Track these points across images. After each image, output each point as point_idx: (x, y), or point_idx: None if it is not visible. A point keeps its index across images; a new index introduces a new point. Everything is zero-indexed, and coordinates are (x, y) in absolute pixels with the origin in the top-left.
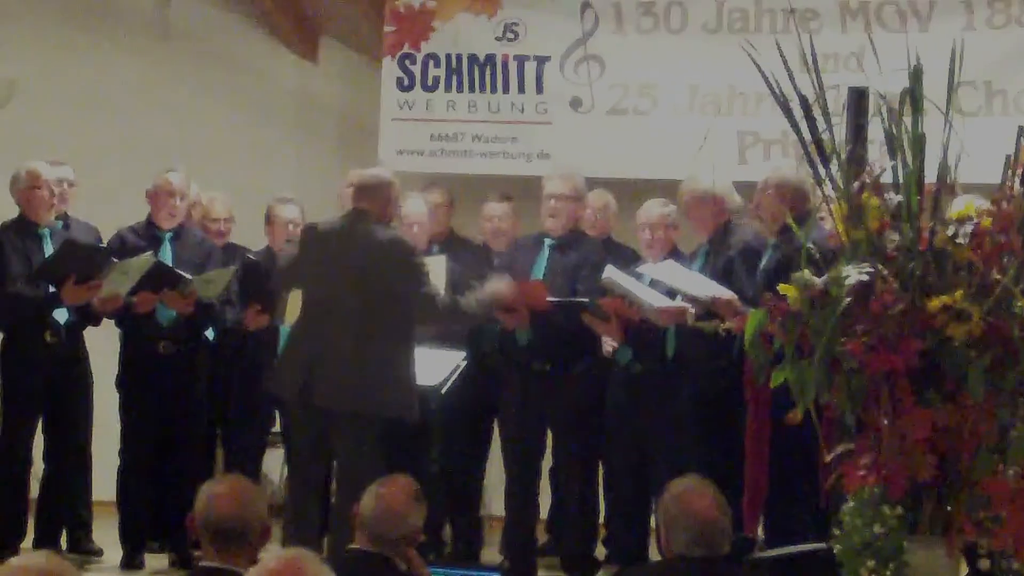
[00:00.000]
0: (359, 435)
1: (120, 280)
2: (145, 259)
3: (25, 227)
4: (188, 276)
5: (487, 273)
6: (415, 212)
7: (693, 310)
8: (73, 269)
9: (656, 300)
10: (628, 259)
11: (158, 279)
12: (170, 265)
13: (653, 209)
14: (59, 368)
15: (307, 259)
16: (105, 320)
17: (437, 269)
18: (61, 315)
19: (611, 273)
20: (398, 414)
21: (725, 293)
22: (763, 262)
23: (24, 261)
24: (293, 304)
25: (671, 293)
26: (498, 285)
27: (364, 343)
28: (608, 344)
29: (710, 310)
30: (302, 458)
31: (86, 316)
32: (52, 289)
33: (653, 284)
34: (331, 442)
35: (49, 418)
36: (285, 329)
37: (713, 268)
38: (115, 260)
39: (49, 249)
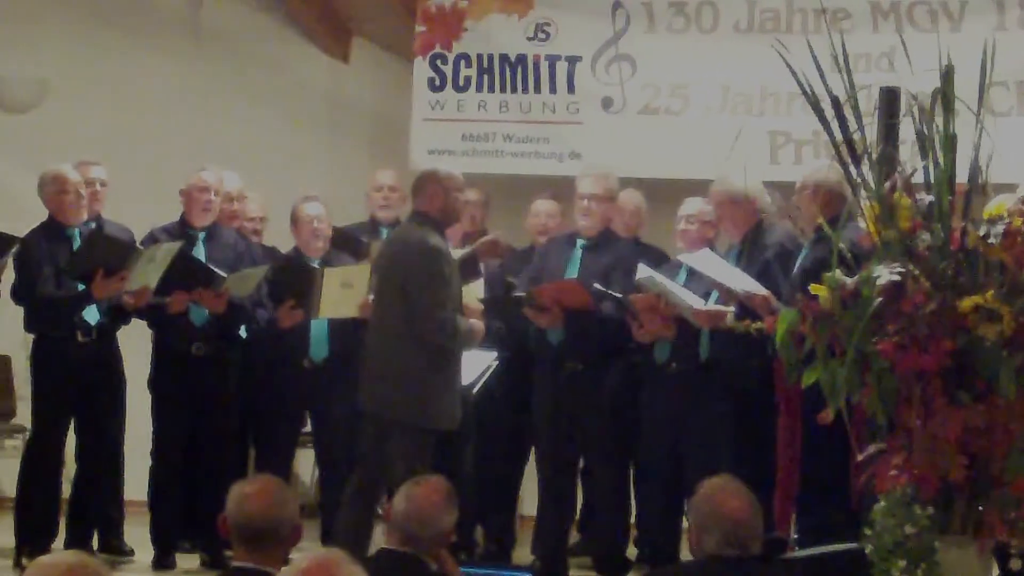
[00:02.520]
0: (410, 443)
1: (148, 270)
2: (172, 246)
3: (54, 230)
4: (221, 273)
5: (520, 271)
6: None
7: (732, 310)
8: (101, 262)
9: (693, 301)
10: (657, 260)
11: (191, 276)
12: (203, 260)
13: (694, 203)
14: (91, 369)
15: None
16: (138, 321)
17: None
18: (92, 316)
19: (646, 273)
20: (445, 426)
21: (760, 289)
22: (799, 262)
23: (54, 265)
24: (327, 299)
25: (706, 294)
26: (476, 323)
27: (394, 349)
28: (642, 336)
29: (744, 304)
30: (364, 459)
31: (117, 315)
32: (81, 287)
33: (688, 280)
34: (385, 447)
35: (81, 419)
36: (317, 328)
37: (747, 269)
38: (141, 248)
39: (79, 244)
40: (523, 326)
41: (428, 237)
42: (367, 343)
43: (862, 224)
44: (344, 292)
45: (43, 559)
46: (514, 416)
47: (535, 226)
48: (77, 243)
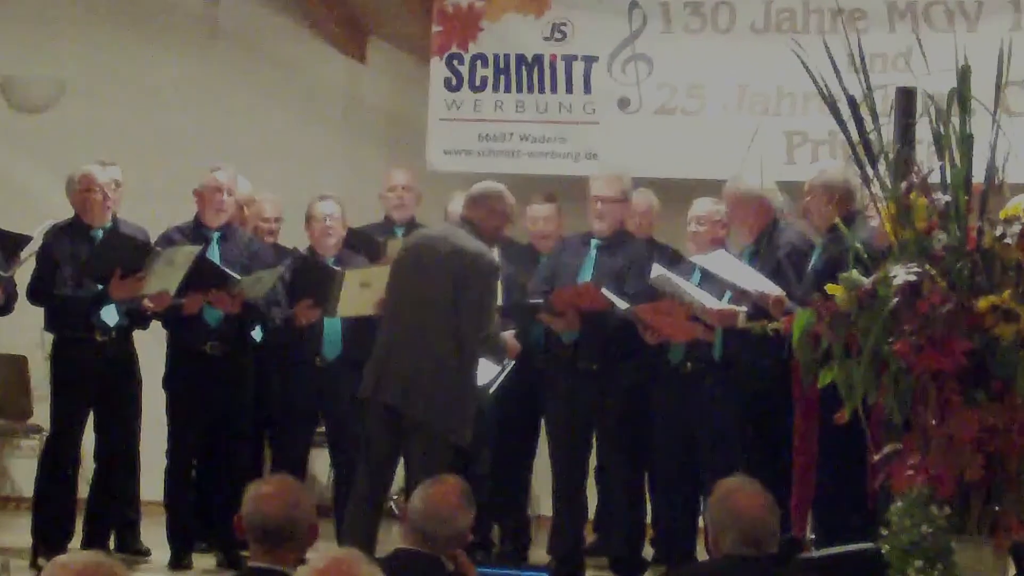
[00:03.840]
0: (427, 445)
1: (166, 272)
2: (190, 249)
3: (78, 230)
4: (235, 276)
5: (533, 272)
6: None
7: (745, 310)
8: (118, 263)
9: (707, 301)
10: (671, 260)
11: (205, 278)
12: (218, 263)
13: (704, 204)
14: (109, 368)
15: (404, 263)
16: (153, 321)
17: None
18: (111, 317)
19: (661, 272)
20: (448, 430)
21: (774, 290)
22: (811, 262)
23: (75, 264)
24: (345, 298)
25: (720, 294)
26: (512, 340)
27: (436, 352)
28: (651, 337)
29: (757, 304)
30: (372, 451)
31: (135, 319)
32: (100, 287)
33: (702, 281)
34: (404, 446)
35: (99, 418)
36: (330, 327)
37: (760, 269)
38: (158, 249)
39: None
40: (532, 328)
41: (486, 250)
42: (397, 338)
43: (872, 222)
44: (362, 292)
45: (61, 558)
46: (525, 416)
47: (534, 232)
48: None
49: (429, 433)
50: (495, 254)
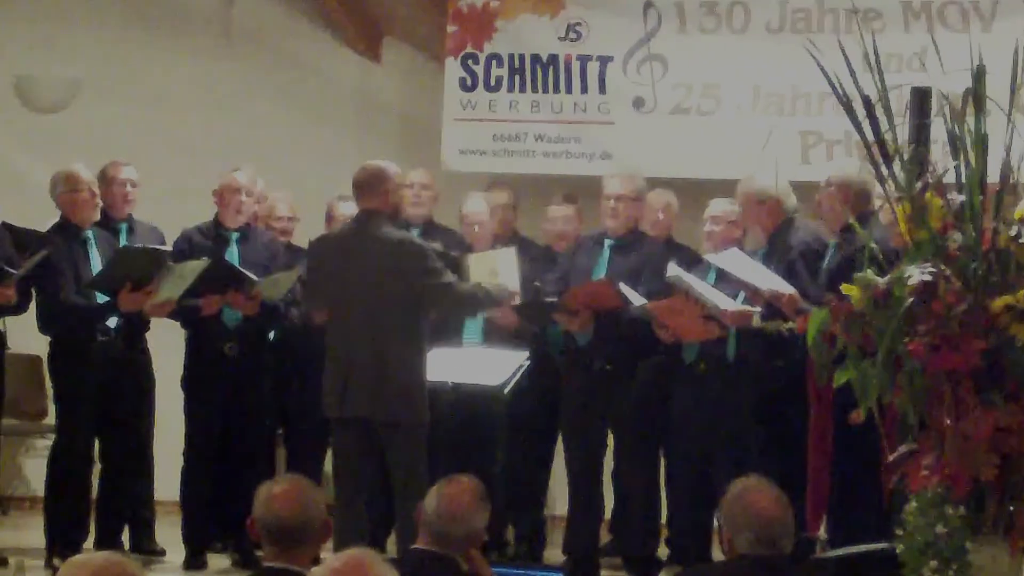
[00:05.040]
0: (406, 441)
1: (176, 284)
2: (199, 263)
3: (69, 232)
4: (253, 277)
5: (550, 275)
6: (476, 212)
7: (759, 310)
8: (130, 276)
9: (722, 301)
10: (689, 260)
11: (223, 279)
12: (235, 265)
13: (719, 204)
14: (113, 368)
15: (324, 271)
16: (170, 321)
17: (508, 261)
18: (111, 320)
19: (676, 271)
20: (421, 420)
21: (787, 288)
22: (825, 262)
23: (72, 267)
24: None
25: (735, 294)
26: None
27: (390, 349)
28: (665, 334)
29: (770, 303)
30: (350, 466)
31: (135, 322)
32: (107, 298)
33: (717, 281)
34: (378, 449)
35: (105, 418)
36: None
37: (774, 269)
38: (171, 264)
39: (95, 253)
40: (547, 327)
41: (403, 234)
42: (354, 350)
43: (884, 218)
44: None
45: (77, 558)
46: (540, 416)
47: (552, 232)
48: (92, 245)
49: (404, 429)
50: (415, 233)
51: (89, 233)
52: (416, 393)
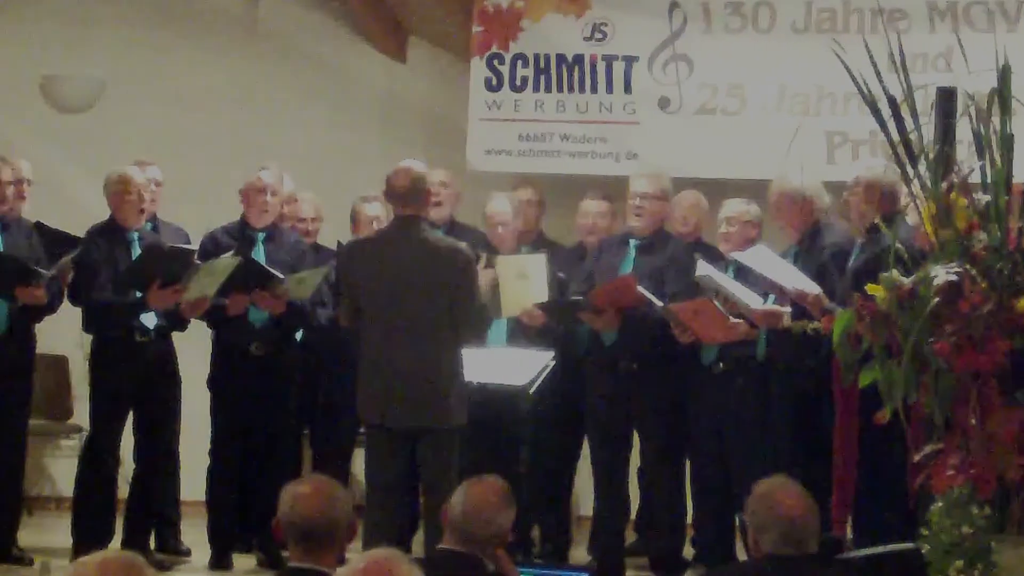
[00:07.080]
0: (442, 443)
1: (207, 282)
2: (230, 260)
3: (114, 232)
4: (280, 275)
5: (570, 270)
6: (500, 212)
7: (789, 311)
8: (157, 274)
9: (752, 301)
10: (716, 260)
11: (250, 278)
12: (263, 263)
13: (734, 204)
14: (148, 368)
15: (360, 276)
16: (197, 321)
17: (538, 266)
18: (149, 319)
19: (707, 270)
20: (461, 423)
21: (813, 288)
22: (851, 261)
23: (112, 267)
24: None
25: (764, 295)
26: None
27: (437, 356)
28: (683, 336)
29: (795, 302)
30: (384, 469)
31: (174, 321)
32: (139, 294)
33: (736, 278)
34: (410, 450)
35: (138, 418)
36: None
37: (804, 269)
38: (199, 263)
39: (137, 254)
40: (572, 327)
41: (452, 241)
42: (398, 360)
43: (910, 221)
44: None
45: (84, 558)
46: (566, 416)
47: (584, 226)
48: (136, 246)
49: (444, 432)
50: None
51: (134, 235)
52: (460, 398)
